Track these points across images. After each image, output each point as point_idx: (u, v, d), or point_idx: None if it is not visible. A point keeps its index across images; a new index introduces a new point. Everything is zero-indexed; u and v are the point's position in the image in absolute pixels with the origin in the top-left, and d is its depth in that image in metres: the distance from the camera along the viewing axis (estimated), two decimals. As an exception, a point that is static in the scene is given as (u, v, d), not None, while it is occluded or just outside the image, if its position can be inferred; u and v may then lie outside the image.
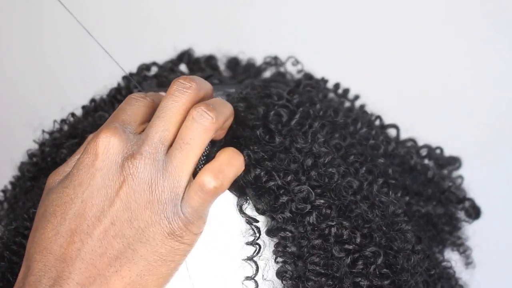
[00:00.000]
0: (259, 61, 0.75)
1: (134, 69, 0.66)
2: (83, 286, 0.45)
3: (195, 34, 1.12)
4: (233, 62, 0.75)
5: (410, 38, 1.11)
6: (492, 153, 1.12)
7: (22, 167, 0.64)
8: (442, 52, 1.11)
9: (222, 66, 0.74)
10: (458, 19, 1.10)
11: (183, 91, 0.48)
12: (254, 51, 0.76)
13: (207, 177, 0.47)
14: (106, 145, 0.46)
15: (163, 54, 0.71)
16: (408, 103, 1.10)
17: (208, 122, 0.48)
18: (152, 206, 0.46)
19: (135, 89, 0.63)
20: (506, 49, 1.09)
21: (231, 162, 0.49)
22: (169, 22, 1.16)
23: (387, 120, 0.66)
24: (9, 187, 0.66)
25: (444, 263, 0.61)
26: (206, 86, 0.51)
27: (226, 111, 0.50)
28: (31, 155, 0.63)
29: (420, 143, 0.67)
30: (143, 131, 0.49)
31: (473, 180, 0.69)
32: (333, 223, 0.50)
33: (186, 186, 0.47)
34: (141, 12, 1.17)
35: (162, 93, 0.53)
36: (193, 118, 0.48)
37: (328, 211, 0.50)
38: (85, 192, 0.46)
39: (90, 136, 0.51)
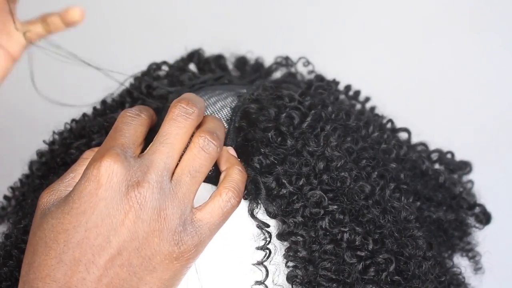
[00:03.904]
0: (267, 61, 0.75)
1: (144, 68, 0.66)
2: None
3: (202, 33, 1.11)
4: (241, 62, 0.74)
5: (422, 40, 1.11)
6: (502, 157, 1.12)
7: (31, 165, 0.63)
8: (454, 57, 1.11)
9: (230, 65, 0.74)
10: (477, 24, 1.09)
11: (186, 117, 0.49)
12: (262, 51, 0.75)
13: (230, 193, 0.48)
14: (110, 173, 0.46)
15: (173, 52, 0.70)
16: (419, 106, 1.10)
17: (214, 151, 0.49)
18: (161, 234, 0.46)
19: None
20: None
21: (243, 179, 0.50)
22: (178, 20, 1.16)
23: (397, 123, 0.65)
24: (18, 184, 0.66)
25: (454, 269, 0.61)
26: (202, 106, 0.51)
27: (222, 134, 0.51)
28: (40, 154, 0.62)
29: (431, 147, 0.66)
30: (141, 152, 0.49)
31: (483, 185, 0.68)
32: (346, 229, 0.50)
33: (191, 211, 0.48)
34: (149, 12, 1.17)
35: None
36: (200, 147, 0.48)
37: (341, 216, 0.50)
38: (88, 221, 0.45)
39: (86, 153, 0.51)
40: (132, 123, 0.50)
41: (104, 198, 0.45)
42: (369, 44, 1.12)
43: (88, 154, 0.51)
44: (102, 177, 0.45)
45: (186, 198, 0.47)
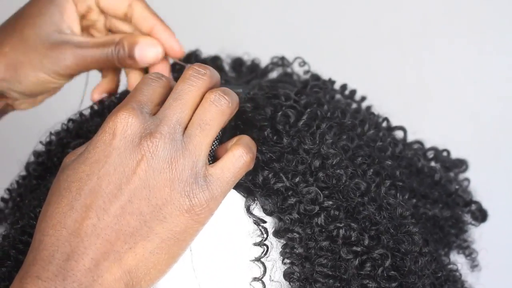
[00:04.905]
0: (263, 62, 0.75)
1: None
2: (97, 261, 0.45)
3: (198, 35, 1.12)
4: (237, 63, 0.75)
5: (417, 40, 1.11)
6: (498, 156, 1.12)
7: (28, 166, 0.63)
8: (449, 55, 1.11)
9: (226, 66, 0.74)
10: (467, 22, 1.10)
11: (198, 76, 0.51)
12: (259, 52, 0.76)
13: (241, 149, 0.50)
14: (124, 125, 0.47)
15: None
16: (415, 105, 1.10)
17: (225, 106, 0.50)
18: (172, 184, 0.47)
19: None
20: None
21: (254, 143, 0.52)
22: (174, 22, 1.16)
23: (393, 122, 0.65)
24: (15, 185, 0.66)
25: (450, 266, 0.61)
26: (217, 75, 0.53)
27: (236, 98, 0.52)
28: (37, 154, 0.63)
29: (427, 145, 0.67)
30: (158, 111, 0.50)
31: (479, 183, 0.68)
32: (341, 225, 0.50)
33: (204, 166, 0.48)
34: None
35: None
36: (211, 101, 0.50)
37: (337, 213, 0.50)
38: (101, 169, 0.47)
39: None
40: (151, 84, 0.51)
41: (118, 147, 0.47)
42: (366, 44, 1.13)
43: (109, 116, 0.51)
44: (117, 129, 0.47)
45: (197, 151, 0.48)
